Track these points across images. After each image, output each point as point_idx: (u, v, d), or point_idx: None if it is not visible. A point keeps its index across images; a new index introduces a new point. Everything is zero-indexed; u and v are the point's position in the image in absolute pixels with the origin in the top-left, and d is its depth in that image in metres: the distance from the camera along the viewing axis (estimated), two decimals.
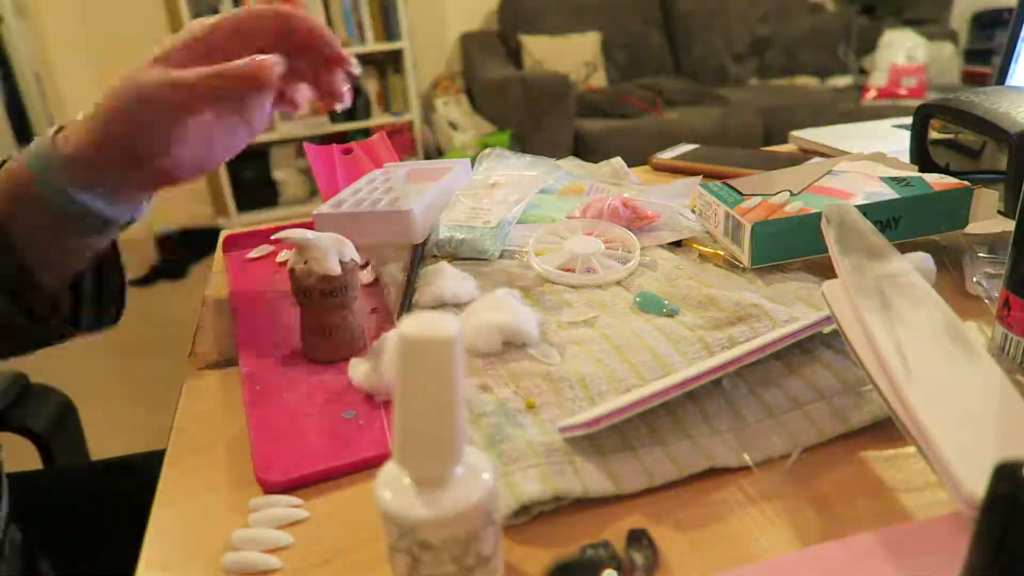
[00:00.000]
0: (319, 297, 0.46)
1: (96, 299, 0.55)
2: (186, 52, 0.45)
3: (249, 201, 3.16)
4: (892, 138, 0.91)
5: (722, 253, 0.57)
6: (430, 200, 0.62)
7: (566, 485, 0.34)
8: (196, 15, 2.81)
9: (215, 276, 0.66)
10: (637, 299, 0.51)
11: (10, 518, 0.58)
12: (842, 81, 3.26)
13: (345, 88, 0.52)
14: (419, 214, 0.59)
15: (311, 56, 0.49)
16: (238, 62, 0.43)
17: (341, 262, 0.46)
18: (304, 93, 0.53)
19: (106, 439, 0.99)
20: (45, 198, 0.45)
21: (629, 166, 0.82)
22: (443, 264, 0.55)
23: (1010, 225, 0.42)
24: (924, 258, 0.45)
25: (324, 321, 0.47)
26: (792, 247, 0.53)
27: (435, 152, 3.28)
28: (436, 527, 0.25)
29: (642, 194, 0.71)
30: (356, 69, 0.51)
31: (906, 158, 0.68)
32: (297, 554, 0.33)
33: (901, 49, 3.03)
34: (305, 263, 0.46)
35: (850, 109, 2.82)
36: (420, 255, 0.57)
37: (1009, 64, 0.74)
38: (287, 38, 0.47)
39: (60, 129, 0.46)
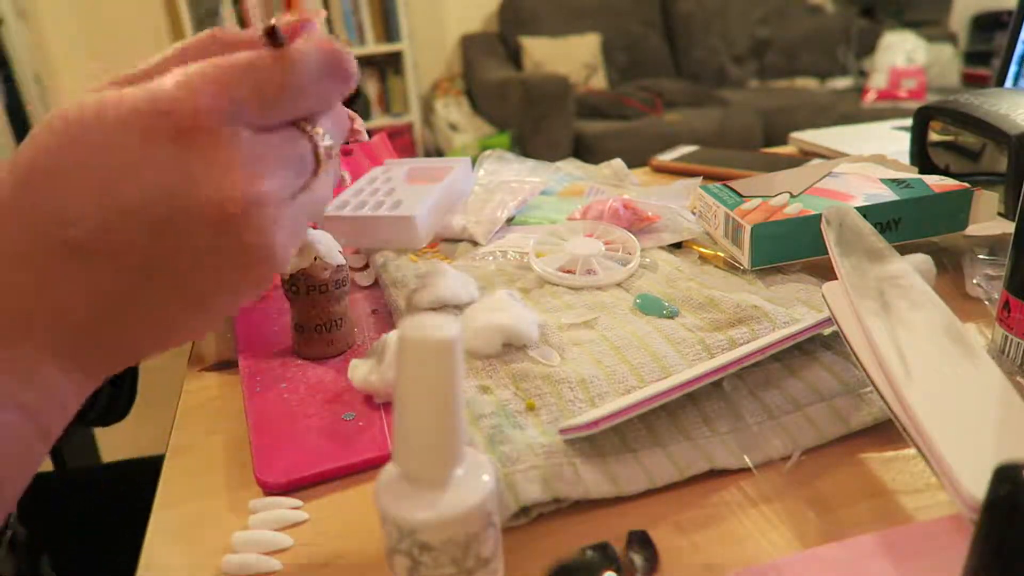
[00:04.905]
0: (307, 292, 0.46)
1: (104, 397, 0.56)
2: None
3: None
4: (892, 140, 0.91)
5: (722, 255, 0.57)
6: (433, 203, 0.62)
7: (566, 487, 0.34)
8: (196, 16, 2.82)
9: None
10: (637, 301, 0.51)
11: (19, 517, 0.58)
12: (842, 83, 3.26)
13: None
14: (422, 218, 0.59)
15: None
16: None
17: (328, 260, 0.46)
18: None
19: (108, 442, 0.99)
20: None
21: (629, 167, 0.82)
22: (443, 265, 0.55)
23: (1010, 227, 0.42)
24: (924, 260, 0.45)
25: (313, 317, 0.47)
26: (792, 249, 0.53)
27: (435, 154, 3.28)
28: (436, 529, 0.25)
29: (642, 195, 0.71)
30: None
31: (906, 160, 0.68)
32: (297, 556, 0.33)
33: (901, 51, 3.03)
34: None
35: (850, 111, 2.82)
36: None
37: (1009, 66, 0.74)
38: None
39: None
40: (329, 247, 0.46)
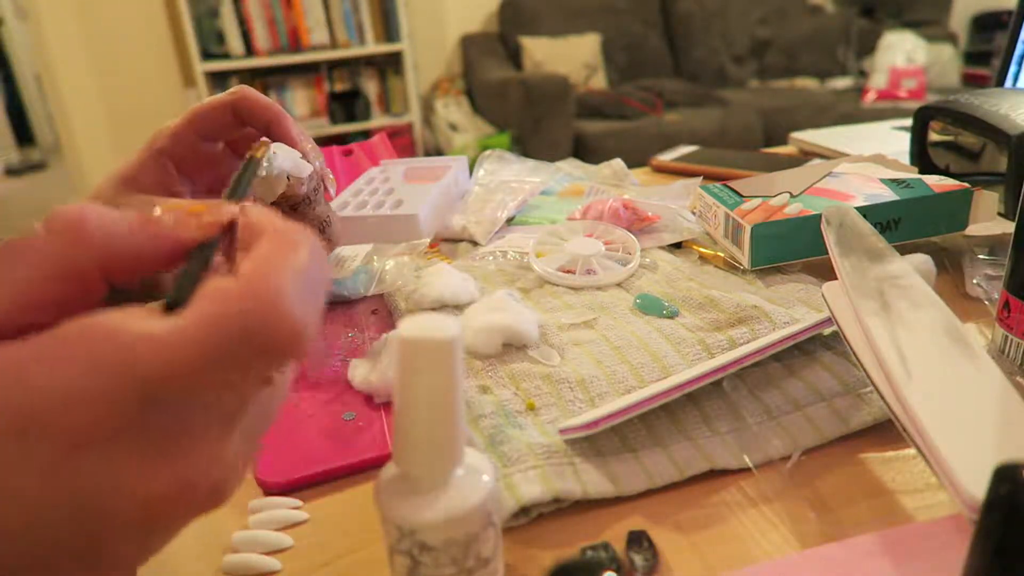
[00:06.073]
0: (292, 210, 0.44)
1: None
2: (156, 170, 0.43)
3: None
4: (892, 140, 0.91)
5: (722, 255, 0.57)
6: (434, 200, 0.62)
7: (566, 486, 0.34)
8: (196, 16, 2.82)
9: None
10: (637, 301, 0.51)
11: None
12: (842, 83, 3.26)
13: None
14: (424, 216, 0.59)
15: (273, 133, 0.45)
16: None
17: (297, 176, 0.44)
18: None
19: None
20: None
21: (629, 167, 0.82)
22: (443, 265, 0.55)
23: (1010, 227, 0.42)
24: (924, 260, 0.45)
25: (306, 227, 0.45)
26: (792, 249, 0.53)
27: (435, 154, 3.28)
28: (436, 529, 0.25)
29: (642, 195, 0.71)
30: (316, 156, 0.46)
31: (906, 160, 0.68)
32: (297, 556, 0.33)
33: (901, 51, 3.03)
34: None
35: (850, 111, 2.82)
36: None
37: (1008, 66, 0.74)
38: (248, 121, 0.44)
39: None
40: (295, 163, 0.44)
